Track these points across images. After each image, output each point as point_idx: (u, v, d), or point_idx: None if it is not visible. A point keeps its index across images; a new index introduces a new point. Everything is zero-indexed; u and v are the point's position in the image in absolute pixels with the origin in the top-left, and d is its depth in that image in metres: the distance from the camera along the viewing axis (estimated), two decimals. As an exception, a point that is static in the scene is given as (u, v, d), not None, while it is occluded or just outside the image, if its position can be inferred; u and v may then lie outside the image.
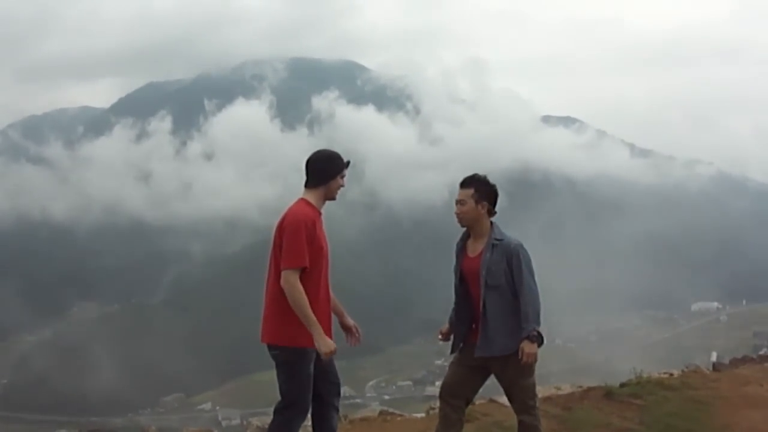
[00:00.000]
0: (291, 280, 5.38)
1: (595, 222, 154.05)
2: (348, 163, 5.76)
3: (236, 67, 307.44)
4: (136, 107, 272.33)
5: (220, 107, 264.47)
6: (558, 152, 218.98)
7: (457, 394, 5.94)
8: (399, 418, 8.15)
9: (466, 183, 6.03)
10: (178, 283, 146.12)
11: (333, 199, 5.75)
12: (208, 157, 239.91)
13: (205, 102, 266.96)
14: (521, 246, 5.80)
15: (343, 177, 5.73)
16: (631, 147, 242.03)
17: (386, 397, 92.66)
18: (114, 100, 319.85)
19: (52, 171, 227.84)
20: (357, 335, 6.00)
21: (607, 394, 8.63)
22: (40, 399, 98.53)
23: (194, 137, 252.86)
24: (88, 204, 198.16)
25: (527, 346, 5.51)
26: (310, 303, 5.44)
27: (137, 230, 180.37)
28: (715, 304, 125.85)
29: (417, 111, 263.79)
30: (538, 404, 5.90)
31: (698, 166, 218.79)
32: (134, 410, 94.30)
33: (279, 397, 5.67)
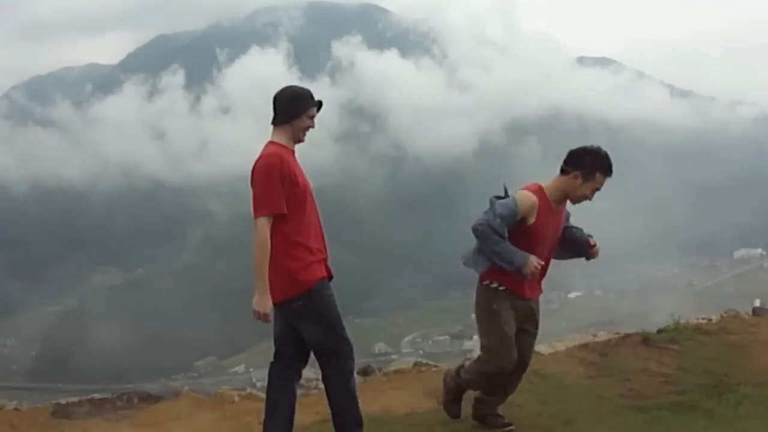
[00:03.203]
0: (261, 229, 5.27)
1: (634, 168, 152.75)
2: (319, 103, 5.65)
3: (249, 15, 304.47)
4: (146, 62, 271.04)
5: (233, 58, 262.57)
6: (593, 95, 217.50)
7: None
8: (434, 369, 8.39)
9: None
10: (203, 244, 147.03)
11: (300, 140, 5.62)
12: (224, 111, 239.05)
13: (218, 53, 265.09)
14: None
15: (311, 117, 5.59)
16: (671, 88, 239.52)
17: (422, 352, 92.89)
18: (123, 55, 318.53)
19: (62, 133, 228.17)
20: None
21: (645, 340, 8.82)
22: (70, 369, 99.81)
23: (208, 91, 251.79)
24: (103, 166, 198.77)
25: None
26: (302, 249, 5.40)
27: (156, 191, 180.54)
28: (759, 250, 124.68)
29: (443, 55, 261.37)
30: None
31: (740, 107, 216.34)
32: (167, 375, 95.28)
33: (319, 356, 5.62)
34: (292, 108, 5.55)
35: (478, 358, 6.20)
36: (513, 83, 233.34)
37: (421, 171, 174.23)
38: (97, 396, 7.82)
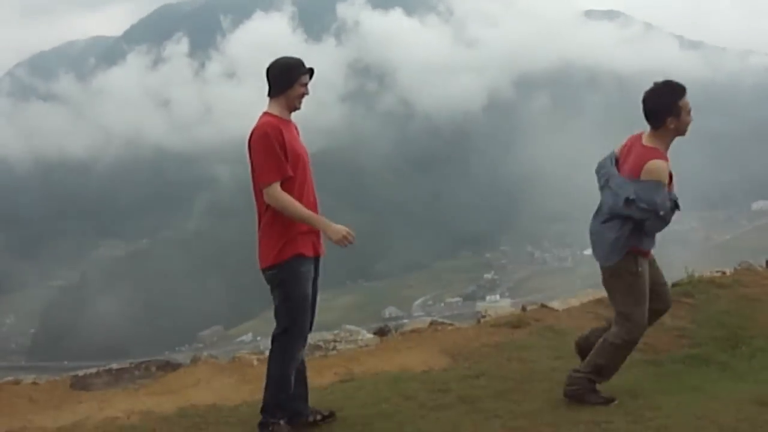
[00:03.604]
0: (275, 194, 5.44)
1: (645, 121, 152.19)
2: (311, 70, 5.74)
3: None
4: (150, 32, 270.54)
5: (237, 23, 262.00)
6: (602, 48, 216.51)
7: None
8: (450, 328, 8.50)
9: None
10: (208, 212, 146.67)
11: (296, 108, 5.75)
12: (229, 76, 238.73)
13: (221, 19, 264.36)
14: None
15: (304, 85, 5.71)
16: (680, 39, 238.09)
17: (434, 315, 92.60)
18: (126, 26, 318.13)
19: (66, 107, 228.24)
20: None
21: (659, 294, 8.91)
22: (71, 346, 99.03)
23: (213, 57, 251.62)
24: (107, 138, 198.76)
25: None
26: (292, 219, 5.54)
27: (161, 160, 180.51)
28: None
29: (449, 12, 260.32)
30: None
31: (752, 56, 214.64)
32: (171, 348, 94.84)
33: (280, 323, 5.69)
34: (284, 79, 5.67)
35: (619, 330, 5.97)
36: (521, 38, 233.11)
37: (430, 128, 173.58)
38: (115, 366, 7.90)
